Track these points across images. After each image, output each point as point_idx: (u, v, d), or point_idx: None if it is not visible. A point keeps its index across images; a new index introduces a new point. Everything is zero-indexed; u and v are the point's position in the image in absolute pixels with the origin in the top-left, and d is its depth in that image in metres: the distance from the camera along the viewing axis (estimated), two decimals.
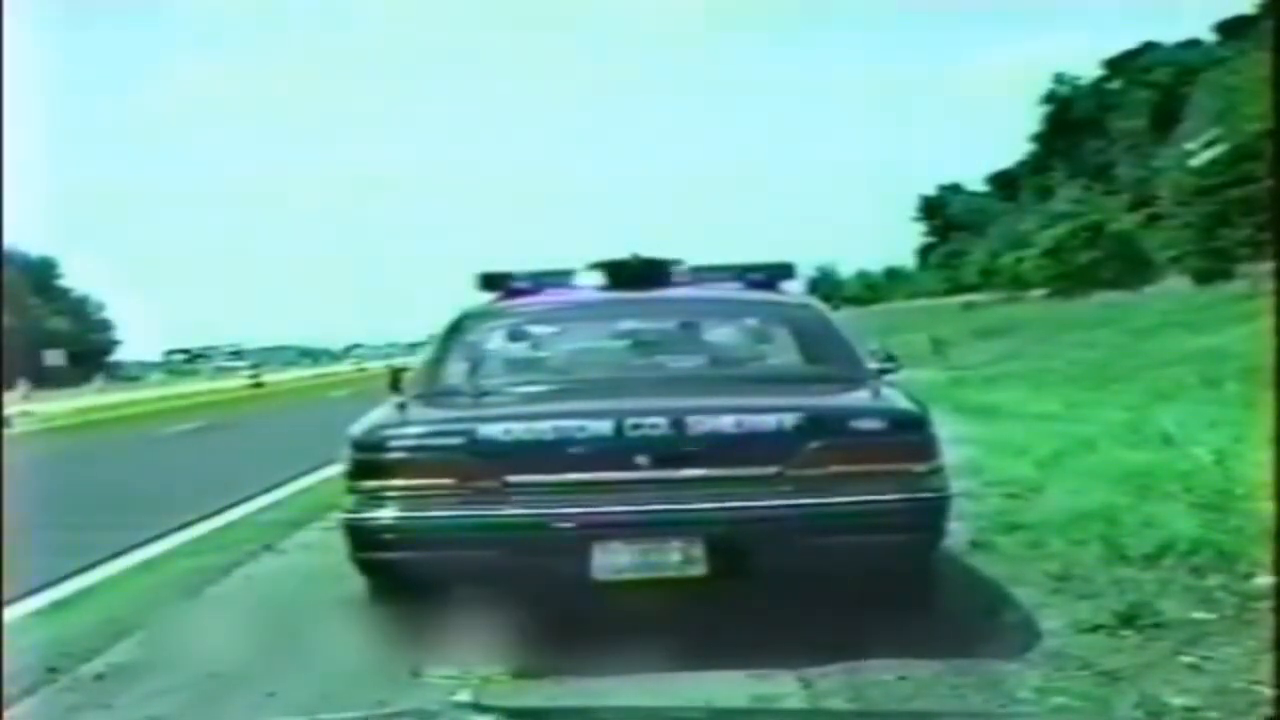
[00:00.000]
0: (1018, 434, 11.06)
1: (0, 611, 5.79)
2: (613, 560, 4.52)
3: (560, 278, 6.09)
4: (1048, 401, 15.15)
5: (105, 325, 78.78)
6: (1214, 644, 4.53)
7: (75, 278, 75.23)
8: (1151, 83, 69.00)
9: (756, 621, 4.78)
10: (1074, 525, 6.53)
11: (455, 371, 5.50)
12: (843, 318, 6.63)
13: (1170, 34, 75.39)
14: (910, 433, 4.72)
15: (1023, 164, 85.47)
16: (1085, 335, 30.40)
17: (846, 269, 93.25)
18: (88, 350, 66.65)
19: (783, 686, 4.20)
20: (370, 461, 4.72)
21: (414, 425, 4.88)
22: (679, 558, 4.53)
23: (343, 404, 16.26)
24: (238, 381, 46.14)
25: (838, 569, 4.65)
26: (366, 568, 4.86)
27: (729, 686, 4.11)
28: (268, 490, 10.49)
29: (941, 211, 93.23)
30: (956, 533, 5.57)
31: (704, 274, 6.15)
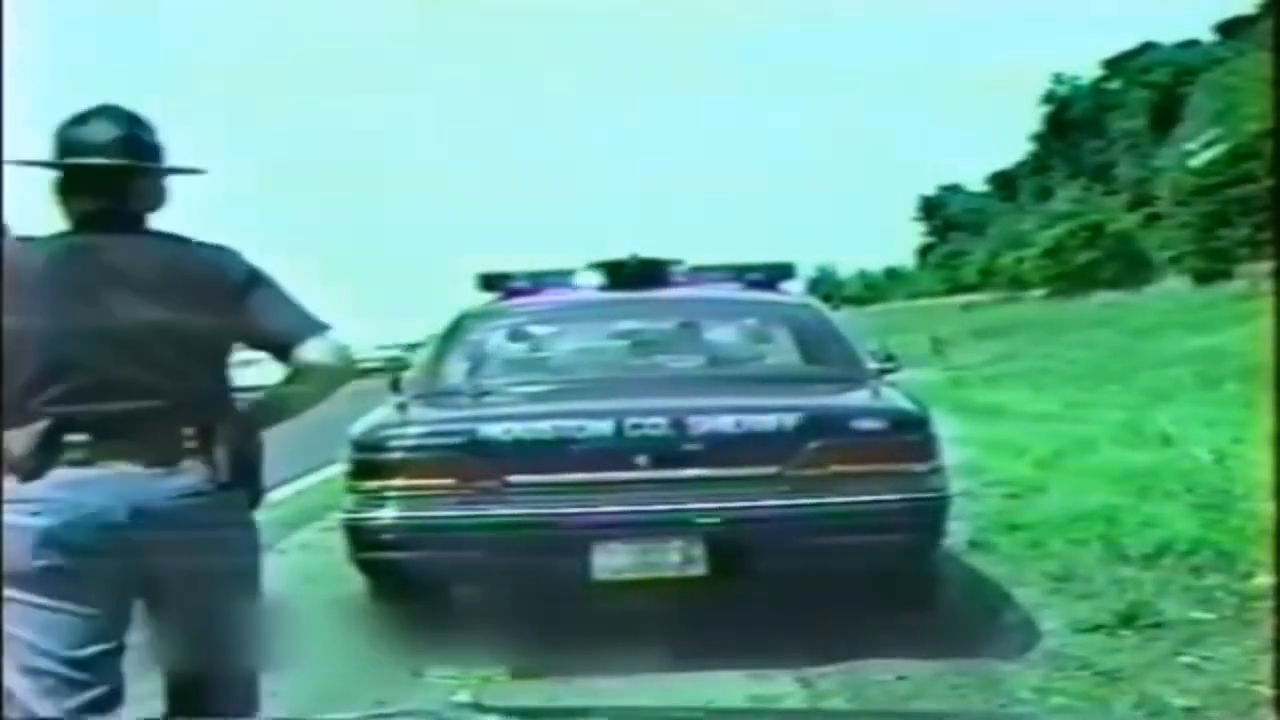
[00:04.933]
0: (1017, 434, 11.06)
1: None
2: (612, 560, 4.52)
3: (560, 278, 6.09)
4: (1047, 401, 15.16)
5: None
6: (1214, 644, 4.53)
7: None
8: (1150, 83, 69.09)
9: (756, 621, 4.78)
10: (1074, 525, 6.53)
11: (455, 371, 5.50)
12: (843, 318, 6.63)
13: (1169, 34, 75.41)
14: (910, 433, 4.72)
15: (1022, 164, 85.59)
16: (1085, 335, 30.41)
17: (846, 269, 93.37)
18: None
19: (782, 686, 4.20)
20: (370, 461, 4.72)
21: (414, 425, 4.87)
22: (679, 558, 4.52)
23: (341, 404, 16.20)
24: None
25: (838, 569, 4.65)
26: (367, 568, 4.86)
27: (729, 686, 4.10)
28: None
29: (941, 211, 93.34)
30: (956, 533, 5.57)
31: (703, 274, 6.15)
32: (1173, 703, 3.97)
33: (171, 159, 2.66)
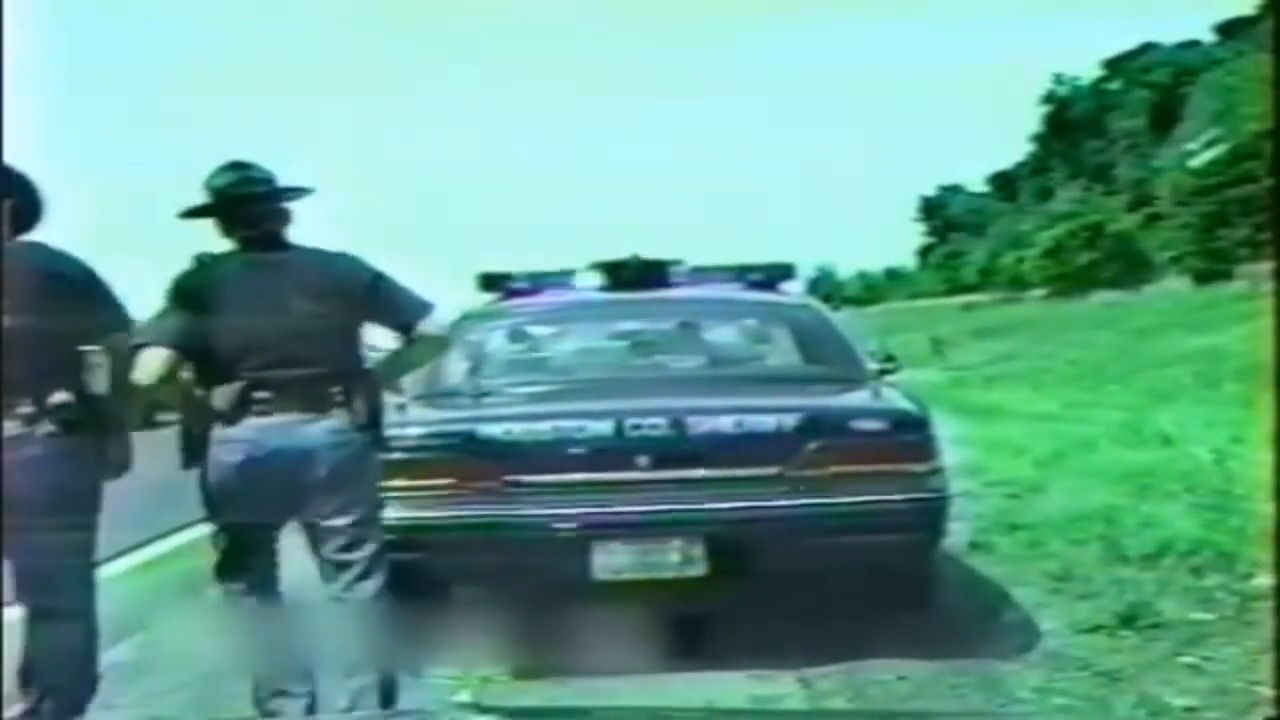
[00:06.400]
0: (1017, 434, 11.06)
1: (0, 611, 5.77)
2: (612, 560, 4.52)
3: (560, 278, 6.09)
4: (1047, 402, 15.18)
5: None
6: (1214, 644, 4.52)
7: None
8: (1150, 83, 69.13)
9: (756, 621, 4.78)
10: (1074, 525, 6.53)
11: (455, 371, 5.49)
12: (843, 318, 6.62)
13: (1169, 34, 75.41)
14: (910, 433, 4.71)
15: (1022, 164, 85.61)
16: (1084, 335, 30.44)
17: (846, 269, 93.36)
18: None
19: (783, 687, 4.20)
20: None
21: (414, 425, 4.87)
22: (678, 558, 4.52)
23: None
24: None
25: (837, 569, 4.65)
26: None
27: (729, 686, 4.11)
28: None
29: (941, 212, 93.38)
30: (956, 533, 5.57)
31: (703, 274, 6.15)
32: (1173, 703, 3.97)
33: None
